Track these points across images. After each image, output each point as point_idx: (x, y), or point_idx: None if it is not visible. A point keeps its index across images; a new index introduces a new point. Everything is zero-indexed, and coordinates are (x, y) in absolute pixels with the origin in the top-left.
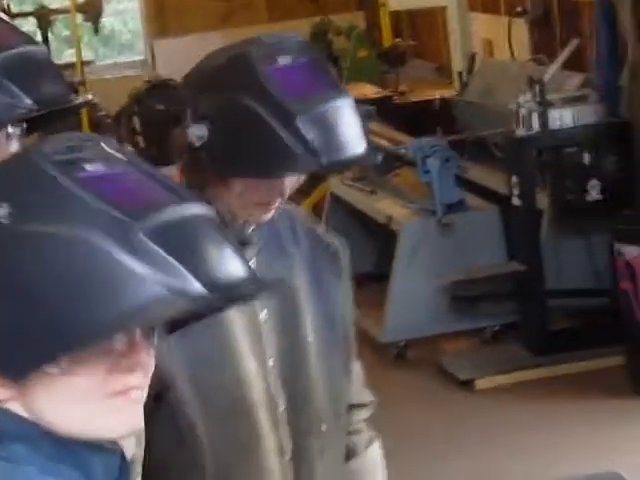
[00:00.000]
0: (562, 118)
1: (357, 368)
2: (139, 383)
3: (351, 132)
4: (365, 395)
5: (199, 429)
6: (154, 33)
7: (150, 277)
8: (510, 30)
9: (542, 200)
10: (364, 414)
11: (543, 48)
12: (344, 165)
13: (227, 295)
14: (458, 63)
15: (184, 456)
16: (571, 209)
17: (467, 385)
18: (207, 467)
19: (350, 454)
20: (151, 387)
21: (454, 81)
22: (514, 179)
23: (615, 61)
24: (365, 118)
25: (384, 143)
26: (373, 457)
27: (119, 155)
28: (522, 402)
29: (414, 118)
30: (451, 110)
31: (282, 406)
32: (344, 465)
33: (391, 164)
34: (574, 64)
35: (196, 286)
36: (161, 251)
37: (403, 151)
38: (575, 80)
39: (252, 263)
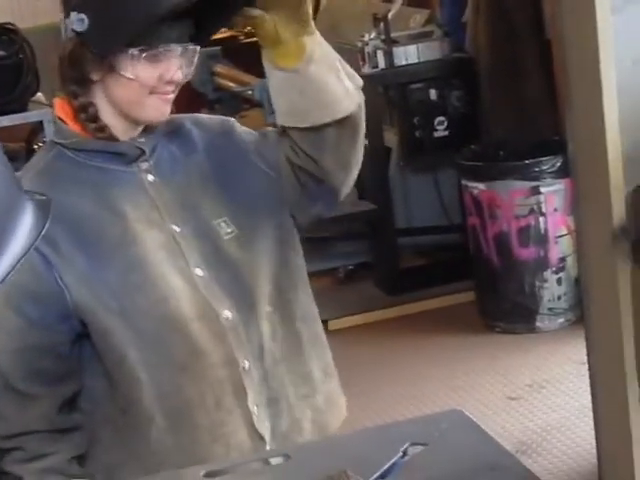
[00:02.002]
0: (407, 55)
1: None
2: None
3: None
4: None
5: (131, 359)
6: None
7: None
8: None
9: (390, 138)
10: None
11: None
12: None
13: None
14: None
15: (120, 394)
16: (419, 146)
17: None
18: (145, 400)
19: None
20: (72, 329)
21: None
22: None
23: None
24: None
25: (231, 85)
26: None
27: None
28: (375, 341)
29: (261, 58)
30: None
31: (226, 313)
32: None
33: (238, 106)
34: (418, 1)
35: None
36: None
37: (250, 92)
38: (419, 16)
39: (151, 178)
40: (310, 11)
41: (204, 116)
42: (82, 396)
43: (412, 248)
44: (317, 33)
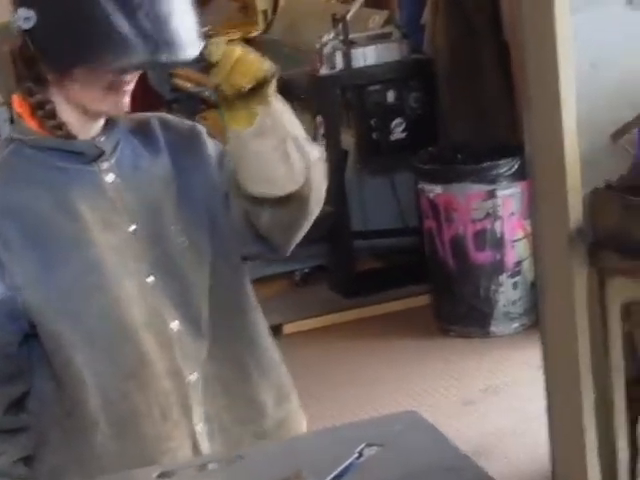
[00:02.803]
0: (365, 56)
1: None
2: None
3: (188, 32)
4: None
5: (78, 362)
6: None
7: None
8: None
9: (347, 140)
10: None
11: None
12: (177, 64)
13: None
14: (262, 2)
15: (66, 396)
16: (376, 148)
17: (275, 330)
18: (90, 404)
19: None
20: (21, 330)
21: (258, 20)
22: (318, 119)
23: None
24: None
25: (188, 85)
26: None
27: None
28: (330, 345)
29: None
30: (256, 50)
31: (174, 324)
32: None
33: (196, 106)
34: (376, 2)
35: None
36: None
37: (207, 93)
38: (378, 18)
39: (111, 177)
40: (269, 82)
41: (172, 117)
42: (30, 397)
43: (368, 251)
44: (273, 105)
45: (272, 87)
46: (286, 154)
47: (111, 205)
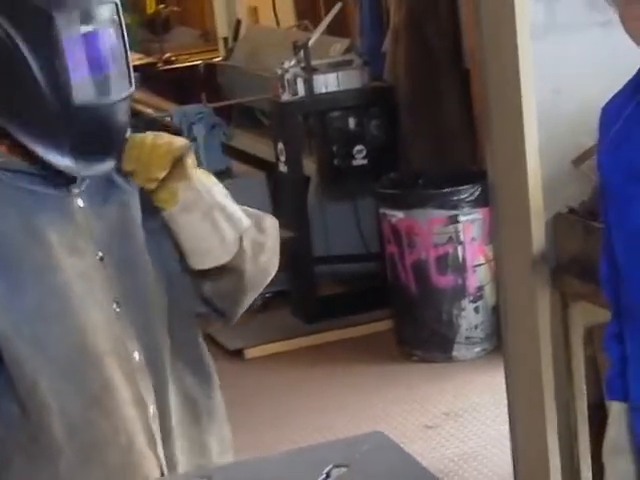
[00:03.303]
0: (327, 83)
1: None
2: None
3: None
4: None
5: (43, 387)
6: None
7: None
8: None
9: (309, 166)
10: None
11: (307, 15)
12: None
13: None
14: (223, 29)
15: (31, 425)
16: (338, 174)
17: (237, 355)
18: (55, 430)
19: None
20: None
21: (219, 48)
22: (280, 145)
23: (378, 26)
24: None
25: (149, 111)
26: None
27: None
28: (292, 370)
29: (180, 85)
30: (217, 77)
31: (136, 354)
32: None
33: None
34: (338, 30)
35: None
36: None
37: (168, 119)
38: (339, 45)
39: (80, 203)
40: (187, 159)
41: None
42: None
43: (330, 276)
44: (194, 179)
45: (190, 162)
46: (215, 224)
47: (79, 231)
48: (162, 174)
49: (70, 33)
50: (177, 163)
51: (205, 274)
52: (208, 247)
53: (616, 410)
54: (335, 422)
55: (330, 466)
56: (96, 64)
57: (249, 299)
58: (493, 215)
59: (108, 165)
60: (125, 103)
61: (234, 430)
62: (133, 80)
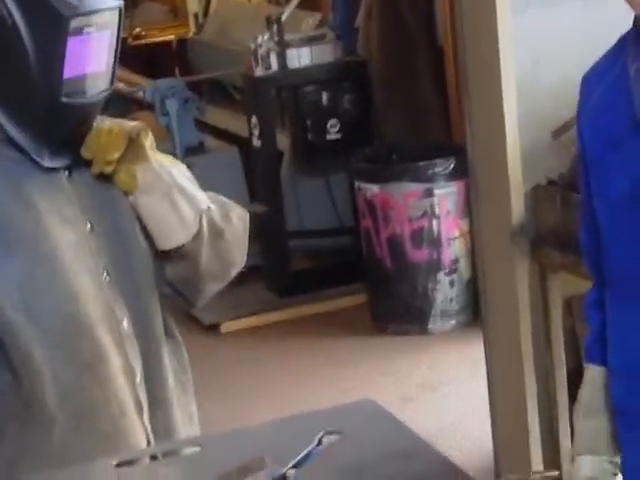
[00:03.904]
0: (300, 57)
1: None
2: None
3: None
4: None
5: (36, 357)
6: None
7: None
8: None
9: (282, 141)
10: None
11: None
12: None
13: None
14: (193, 5)
15: (23, 392)
16: (311, 149)
17: (213, 329)
18: (48, 397)
19: None
20: None
21: (190, 23)
22: (254, 120)
23: (351, 1)
24: None
25: (121, 86)
26: None
27: None
28: (267, 344)
29: (151, 60)
30: (188, 52)
31: (125, 322)
32: None
33: (128, 108)
34: (310, 4)
35: None
36: None
37: (140, 93)
38: (311, 20)
39: (67, 173)
40: (143, 140)
41: None
42: None
43: (304, 251)
44: (151, 160)
45: (147, 143)
46: (174, 204)
47: (68, 199)
48: (117, 155)
49: (74, 33)
50: (133, 144)
51: (165, 257)
52: (168, 227)
53: (592, 373)
54: (310, 396)
55: (321, 433)
56: (89, 63)
57: (210, 288)
58: (471, 187)
59: (73, 159)
60: (101, 100)
61: (213, 403)
62: (115, 78)
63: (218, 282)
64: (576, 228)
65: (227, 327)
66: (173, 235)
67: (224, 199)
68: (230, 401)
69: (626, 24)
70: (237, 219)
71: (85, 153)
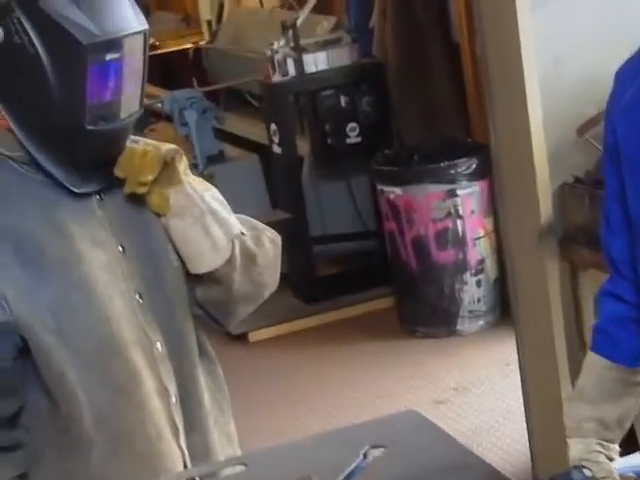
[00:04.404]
0: (317, 62)
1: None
2: None
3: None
4: None
5: (70, 379)
6: None
7: None
8: None
9: (302, 146)
10: None
11: None
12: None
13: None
14: (206, 12)
15: (60, 417)
16: (332, 153)
17: (241, 339)
18: (85, 421)
19: None
20: (14, 344)
21: (203, 31)
22: (273, 127)
23: (365, 3)
24: None
25: None
26: None
27: None
28: (295, 351)
29: (166, 70)
30: (202, 60)
31: (158, 344)
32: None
33: (146, 119)
34: (324, 8)
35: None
36: None
37: (159, 105)
38: (326, 23)
39: (99, 196)
40: (177, 164)
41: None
42: (24, 413)
43: (328, 256)
44: (185, 184)
45: (181, 167)
46: (206, 229)
47: (100, 223)
48: (151, 177)
49: (96, 60)
50: (167, 167)
51: (197, 279)
52: (200, 252)
53: (591, 360)
54: (344, 402)
55: (366, 447)
56: (113, 90)
57: (243, 310)
58: (497, 188)
59: (104, 182)
60: (130, 123)
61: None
62: (143, 101)
63: (250, 305)
64: None
65: (255, 336)
66: (205, 260)
67: (254, 222)
68: (261, 410)
69: None
70: (269, 242)
71: (118, 172)
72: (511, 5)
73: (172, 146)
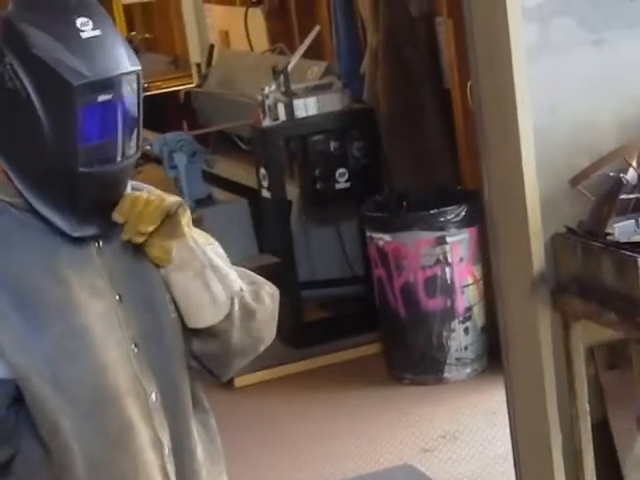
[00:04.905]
0: (307, 107)
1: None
2: None
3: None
4: None
5: (64, 428)
6: None
7: None
8: (247, 20)
9: (291, 190)
10: None
11: (281, 38)
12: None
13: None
14: (195, 55)
15: (52, 462)
16: (321, 198)
17: (227, 384)
18: (78, 468)
19: None
20: (8, 393)
21: (192, 74)
22: (262, 171)
23: (355, 48)
24: None
25: None
26: None
27: None
28: (282, 397)
29: (155, 113)
30: (191, 103)
31: (153, 394)
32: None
33: (135, 161)
34: (315, 53)
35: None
36: None
37: (148, 147)
38: (316, 69)
39: (97, 244)
40: (180, 217)
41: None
42: (17, 461)
43: (316, 301)
44: (188, 237)
45: (184, 220)
46: (206, 284)
47: (98, 271)
48: (150, 228)
49: (87, 102)
50: (170, 220)
51: (195, 332)
52: (199, 306)
53: None
54: (331, 450)
55: None
56: (107, 131)
57: (239, 363)
58: (490, 236)
59: (102, 226)
60: (127, 166)
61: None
62: (140, 144)
63: (246, 357)
64: (597, 276)
65: (241, 381)
66: (204, 314)
67: (253, 275)
68: (248, 456)
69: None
70: (268, 298)
71: (117, 217)
72: (507, 54)
73: (176, 198)
